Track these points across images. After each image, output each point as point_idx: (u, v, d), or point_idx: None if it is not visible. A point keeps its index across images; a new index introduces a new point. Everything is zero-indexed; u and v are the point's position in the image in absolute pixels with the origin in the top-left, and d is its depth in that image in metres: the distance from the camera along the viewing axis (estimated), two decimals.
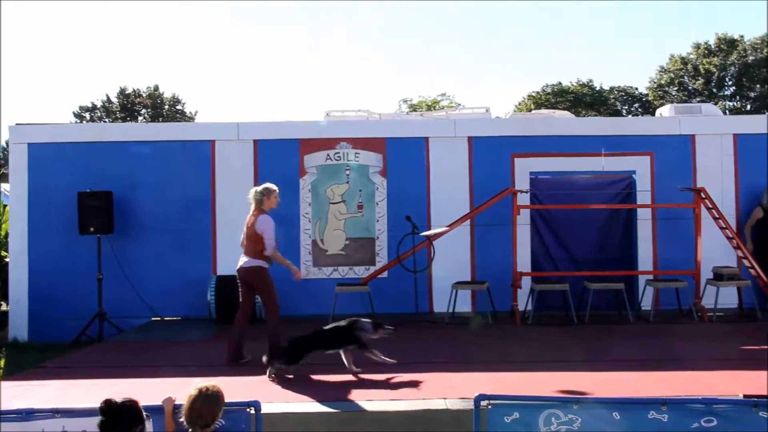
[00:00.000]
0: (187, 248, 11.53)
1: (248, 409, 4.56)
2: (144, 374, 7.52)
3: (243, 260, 8.16)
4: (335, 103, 58.93)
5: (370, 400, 6.29)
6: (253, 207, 8.15)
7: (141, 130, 13.20)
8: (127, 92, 48.43)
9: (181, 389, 4.37)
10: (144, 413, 4.14)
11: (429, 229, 11.30)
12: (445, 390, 6.58)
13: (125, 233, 11.36)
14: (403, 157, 11.70)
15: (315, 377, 7.37)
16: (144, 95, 48.61)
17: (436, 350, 8.79)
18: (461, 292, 10.99)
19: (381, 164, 11.69)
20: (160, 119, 46.05)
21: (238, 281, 8.29)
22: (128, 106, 47.90)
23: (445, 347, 8.99)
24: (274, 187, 8.24)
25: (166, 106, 48.90)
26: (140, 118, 47.17)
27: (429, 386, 6.79)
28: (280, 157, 11.62)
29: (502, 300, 11.01)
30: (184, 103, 50.08)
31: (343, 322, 7.77)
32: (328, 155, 11.70)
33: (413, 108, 39.02)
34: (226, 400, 4.37)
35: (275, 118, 25.59)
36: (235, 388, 5.81)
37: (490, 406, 4.58)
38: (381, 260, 11.55)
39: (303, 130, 11.84)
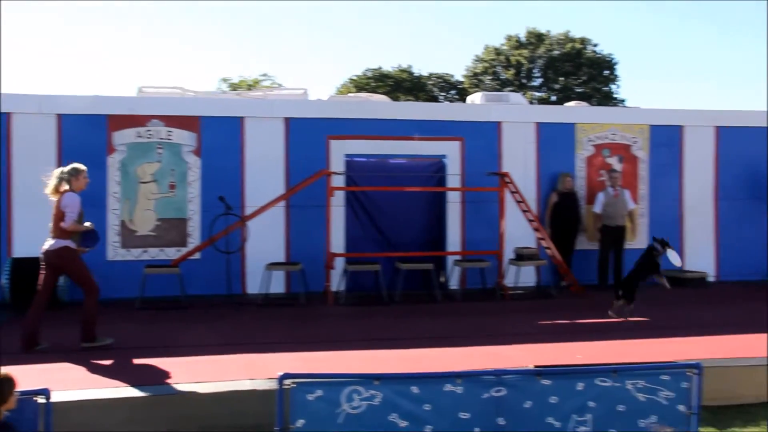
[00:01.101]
0: None
1: (36, 398, 4.31)
2: None
3: (49, 243, 7.81)
4: (151, 80, 56.56)
5: (176, 383, 6.15)
6: (54, 188, 7.78)
7: None
8: None
9: None
10: None
11: (242, 210, 11.19)
12: (255, 370, 6.56)
13: None
14: (218, 137, 11.46)
15: (117, 361, 7.09)
16: None
17: (247, 332, 8.73)
18: (275, 273, 10.97)
19: (195, 143, 11.39)
20: None
21: (42, 265, 7.86)
22: None
23: (257, 329, 8.95)
24: (82, 167, 7.94)
25: None
26: None
27: (237, 367, 6.74)
28: (86, 134, 11.00)
29: (316, 281, 11.10)
30: None
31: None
32: (138, 132, 11.24)
33: (234, 87, 38.31)
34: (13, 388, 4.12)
35: (83, 92, 24.18)
36: (29, 377, 5.46)
37: (294, 385, 4.61)
38: (193, 241, 11.27)
39: (112, 106, 11.28)
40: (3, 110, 10.83)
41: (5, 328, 9.00)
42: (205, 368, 6.74)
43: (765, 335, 8.06)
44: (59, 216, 7.71)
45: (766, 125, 13.21)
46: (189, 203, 11.34)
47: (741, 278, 12.74)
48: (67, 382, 6.07)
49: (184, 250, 11.14)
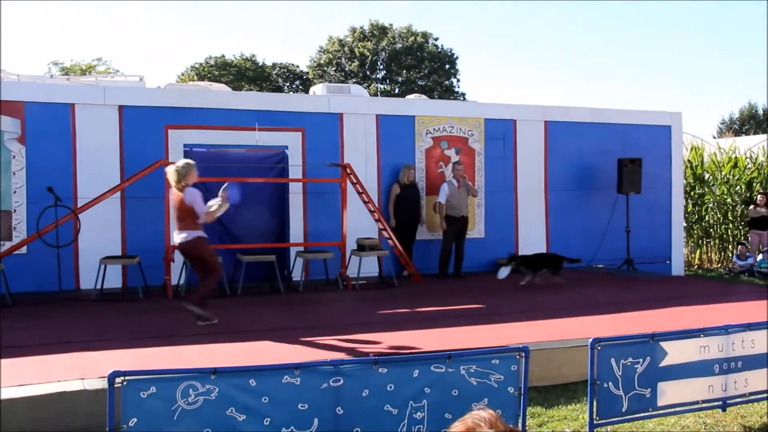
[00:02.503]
0: None
1: None
2: None
3: (182, 235, 8.23)
4: None
5: None
6: (174, 183, 8.21)
7: None
8: None
9: None
10: None
11: (75, 202, 10.65)
12: (87, 370, 6.25)
13: None
14: (45, 124, 10.83)
15: None
16: None
17: (79, 329, 8.30)
18: (111, 267, 10.52)
19: (19, 130, 10.69)
20: None
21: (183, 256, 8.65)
22: None
23: (91, 325, 8.54)
24: (192, 161, 8.43)
25: None
26: None
27: (66, 367, 6.39)
28: None
29: (155, 274, 10.76)
30: None
31: None
32: None
33: (65, 72, 36.30)
34: None
35: None
36: None
37: (125, 383, 4.45)
38: (19, 235, 10.60)
39: None
40: None
41: None
42: (31, 370, 6.35)
43: (587, 318, 8.63)
44: (187, 210, 8.13)
45: (591, 121, 14.12)
46: (14, 194, 10.65)
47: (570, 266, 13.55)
48: None
49: (9, 244, 10.44)
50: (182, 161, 8.52)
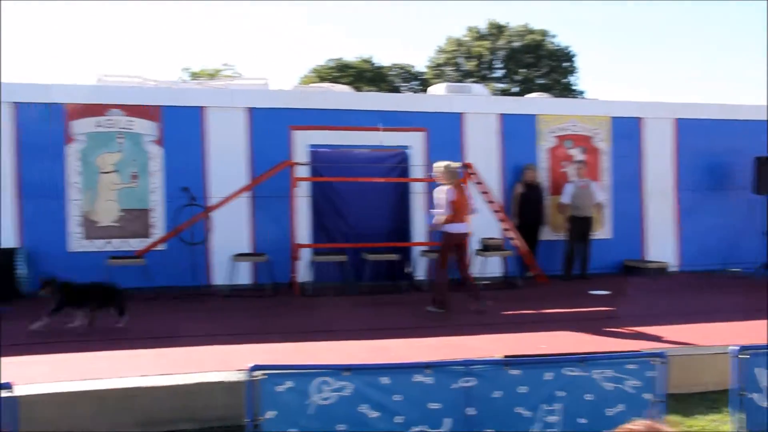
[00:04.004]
0: None
1: None
2: None
3: (467, 226, 9.30)
4: (112, 68, 55.61)
5: (143, 376, 6.07)
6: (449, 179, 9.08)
7: None
8: None
9: None
10: None
11: (206, 201, 11.09)
12: (222, 362, 6.50)
13: None
14: (180, 126, 11.32)
15: (82, 355, 6.97)
16: None
17: (213, 323, 8.66)
18: (241, 264, 10.89)
19: (156, 133, 11.23)
20: None
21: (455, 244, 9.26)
22: None
23: (224, 320, 8.88)
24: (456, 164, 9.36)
25: None
26: None
27: (205, 359, 6.67)
28: (42, 122, 10.80)
29: (282, 272, 11.05)
30: None
31: None
32: (98, 122, 11.05)
33: (195, 77, 37.86)
34: None
35: (38, 80, 23.70)
36: None
37: (263, 377, 4.59)
38: (157, 232, 11.14)
39: (69, 94, 11.07)
40: None
41: None
42: (173, 360, 6.67)
43: (725, 324, 8.24)
44: (465, 204, 9.13)
45: (723, 118, 13.49)
46: (151, 194, 11.19)
47: (702, 268, 13.00)
48: (36, 376, 5.95)
49: (147, 241, 11.00)
50: (448, 162, 9.25)
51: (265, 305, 9.96)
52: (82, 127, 10.98)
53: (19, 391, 4.34)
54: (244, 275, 11.16)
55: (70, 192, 10.91)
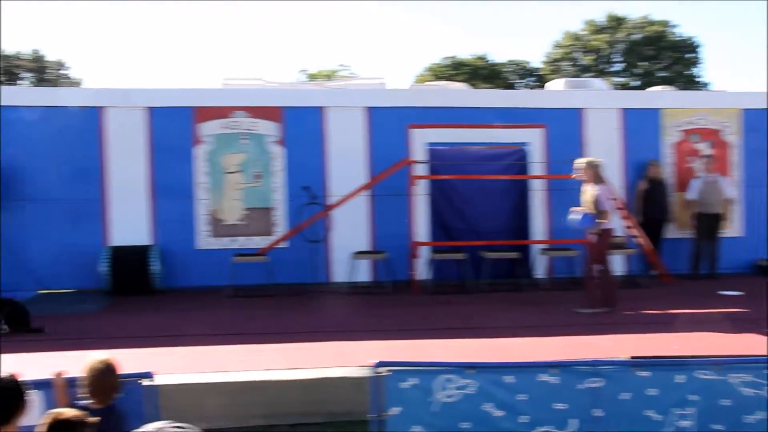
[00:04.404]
0: (77, 219, 11.07)
1: (141, 381, 4.46)
2: (29, 348, 7.21)
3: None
4: (233, 71, 57.55)
5: (269, 369, 6.26)
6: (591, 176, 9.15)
7: (26, 95, 12.58)
8: (7, 55, 45.85)
9: (76, 362, 4.22)
10: (27, 388, 3.97)
11: (326, 199, 11.32)
12: (343, 358, 6.63)
13: (9, 203, 10.80)
14: (301, 127, 11.59)
15: (211, 348, 7.26)
16: (26, 59, 46.16)
17: (334, 319, 8.83)
18: (360, 262, 11.06)
19: (278, 133, 11.55)
20: (44, 84, 43.90)
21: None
22: (9, 70, 45.40)
23: (345, 316, 9.05)
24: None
25: (51, 71, 46.63)
26: (22, 82, 44.80)
27: (327, 355, 6.82)
28: (173, 125, 11.31)
29: (401, 270, 11.14)
30: (69, 68, 47.90)
31: None
32: (223, 124, 11.47)
33: (312, 78, 38.68)
34: (121, 372, 4.26)
35: (169, 85, 24.76)
36: (130, 361, 5.64)
37: (388, 373, 4.65)
38: (279, 230, 11.46)
39: (197, 98, 11.54)
40: (96, 104, 11.20)
41: (104, 314, 9.36)
42: (297, 355, 6.85)
43: None
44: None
45: None
46: (274, 193, 11.52)
47: None
48: (168, 367, 6.23)
49: (270, 239, 11.33)
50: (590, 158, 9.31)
51: (385, 302, 10.07)
52: (209, 129, 11.42)
53: (158, 380, 4.57)
54: (363, 273, 11.31)
55: (198, 192, 11.37)
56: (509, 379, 4.67)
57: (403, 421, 4.66)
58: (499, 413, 4.64)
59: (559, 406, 4.65)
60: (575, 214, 9.18)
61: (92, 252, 10.88)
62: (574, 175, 9.52)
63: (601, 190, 9.02)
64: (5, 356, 6.71)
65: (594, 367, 4.70)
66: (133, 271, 10.63)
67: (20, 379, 3.56)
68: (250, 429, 5.74)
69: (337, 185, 11.47)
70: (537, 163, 12.00)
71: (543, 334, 7.71)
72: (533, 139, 12.07)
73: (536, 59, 49.69)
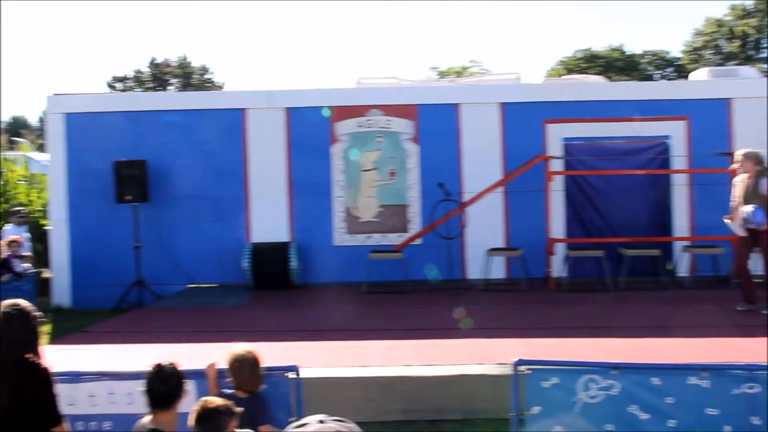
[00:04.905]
0: (222, 216, 11.62)
1: (287, 374, 4.62)
2: (184, 339, 7.64)
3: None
4: (365, 70, 58.56)
5: (407, 365, 6.34)
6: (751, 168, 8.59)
7: (174, 99, 13.32)
8: (157, 62, 48.54)
9: (221, 353, 4.43)
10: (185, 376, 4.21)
11: (460, 196, 11.31)
12: (481, 355, 6.62)
13: (161, 202, 11.46)
14: (435, 124, 11.64)
15: (350, 344, 7.42)
16: (173, 65, 48.72)
17: (470, 317, 8.80)
18: (495, 258, 10.99)
19: (412, 131, 11.65)
20: (190, 89, 46.14)
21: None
22: (158, 76, 48.05)
23: (480, 313, 9.00)
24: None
25: (196, 76, 48.99)
26: (170, 87, 47.29)
27: (464, 352, 6.83)
28: (311, 125, 11.63)
29: (536, 267, 10.98)
30: (213, 73, 50.16)
31: None
32: (359, 122, 11.68)
33: (442, 75, 38.73)
34: (265, 365, 4.44)
35: (306, 86, 25.51)
36: (273, 354, 5.85)
37: (529, 372, 4.60)
38: (414, 227, 11.56)
39: (334, 98, 11.81)
40: (238, 106, 11.67)
41: (248, 308, 9.76)
42: (433, 352, 6.90)
43: None
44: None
45: None
46: (409, 190, 11.63)
47: None
48: (309, 360, 6.44)
49: (405, 236, 11.45)
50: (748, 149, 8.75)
51: (520, 300, 9.97)
52: (345, 128, 11.66)
53: (303, 373, 4.71)
54: (498, 269, 11.23)
55: (334, 189, 11.63)
56: (655, 381, 4.51)
57: (543, 421, 4.59)
58: (645, 416, 4.49)
59: (711, 411, 4.44)
60: (747, 207, 8.62)
61: (236, 248, 11.37)
62: (730, 168, 9.00)
63: (763, 184, 8.48)
64: (163, 345, 7.16)
65: (750, 371, 4.46)
66: (272, 267, 11.01)
67: (180, 368, 3.81)
68: (389, 424, 5.83)
69: (472, 182, 11.44)
70: (679, 157, 11.52)
71: (688, 335, 7.39)
72: (675, 132, 11.60)
73: (675, 49, 47.65)
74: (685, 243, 11.16)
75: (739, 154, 8.80)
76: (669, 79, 40.15)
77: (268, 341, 7.05)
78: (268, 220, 11.55)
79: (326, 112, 11.55)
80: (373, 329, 8.03)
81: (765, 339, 7.11)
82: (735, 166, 8.94)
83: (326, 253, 11.53)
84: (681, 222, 11.53)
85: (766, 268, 8.70)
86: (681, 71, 42.59)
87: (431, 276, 11.02)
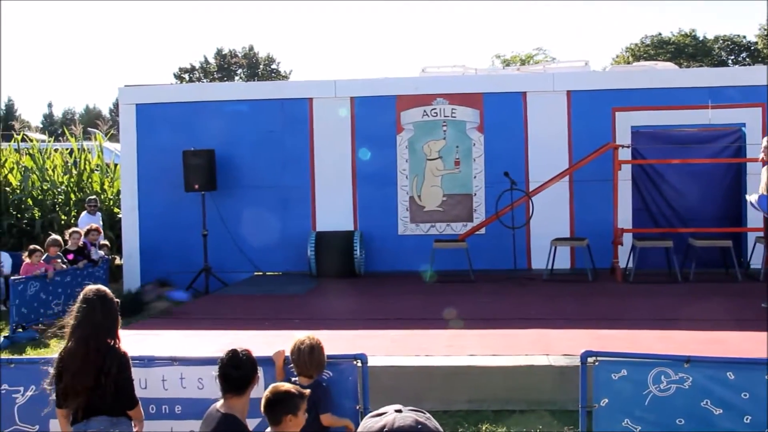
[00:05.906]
0: (287, 205, 11.75)
1: (355, 362, 4.64)
2: (249, 326, 7.76)
3: None
4: (430, 58, 58.38)
5: (472, 355, 6.31)
6: None
7: (240, 90, 13.49)
8: (223, 53, 49.30)
9: (286, 341, 4.48)
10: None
11: (526, 186, 11.18)
12: (547, 346, 6.55)
13: (227, 190, 11.66)
14: (500, 113, 11.54)
15: (414, 333, 7.43)
16: (240, 55, 49.41)
17: (535, 307, 8.73)
18: (560, 248, 10.85)
19: (478, 120, 11.57)
20: (256, 79, 46.72)
21: None
22: (225, 67, 48.82)
23: (545, 304, 8.91)
24: None
25: (261, 66, 49.58)
26: (236, 78, 47.97)
27: (529, 342, 6.76)
28: (376, 114, 11.65)
29: (602, 257, 10.80)
30: (278, 62, 50.70)
31: None
32: (424, 111, 11.65)
33: (507, 63, 38.29)
34: (331, 353, 4.48)
35: (371, 75, 25.57)
36: (337, 342, 5.90)
37: (597, 363, 4.53)
38: (478, 216, 11.49)
39: (399, 87, 11.80)
40: (305, 96, 11.76)
41: (312, 296, 9.86)
42: (498, 342, 6.85)
43: None
44: None
45: None
46: (474, 179, 11.56)
47: None
48: (375, 349, 6.45)
49: (469, 225, 11.39)
50: None
51: (586, 290, 9.81)
52: (410, 117, 11.64)
53: (370, 362, 4.73)
54: (563, 259, 11.09)
55: (399, 178, 11.64)
56: (730, 375, 4.39)
57: (612, 413, 4.51)
58: (718, 411, 4.38)
59: None
60: (753, 196, 8.34)
61: (301, 237, 11.49)
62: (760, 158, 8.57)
63: None
64: (236, 332, 7.30)
65: None
66: (337, 256, 11.10)
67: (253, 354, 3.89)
68: (454, 413, 5.82)
69: (537, 171, 11.31)
70: (755, 146, 11.15)
71: (760, 329, 7.16)
72: (750, 120, 11.25)
73: (751, 33, 46.10)
74: (759, 234, 10.81)
75: (766, 141, 8.42)
76: (743, 65, 38.92)
77: (332, 329, 7.12)
78: (333, 208, 11.63)
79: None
80: (438, 318, 8.00)
81: None
82: (761, 155, 8.53)
83: (391, 242, 11.56)
84: (755, 212, 11.15)
85: None
86: (756, 57, 41.23)
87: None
